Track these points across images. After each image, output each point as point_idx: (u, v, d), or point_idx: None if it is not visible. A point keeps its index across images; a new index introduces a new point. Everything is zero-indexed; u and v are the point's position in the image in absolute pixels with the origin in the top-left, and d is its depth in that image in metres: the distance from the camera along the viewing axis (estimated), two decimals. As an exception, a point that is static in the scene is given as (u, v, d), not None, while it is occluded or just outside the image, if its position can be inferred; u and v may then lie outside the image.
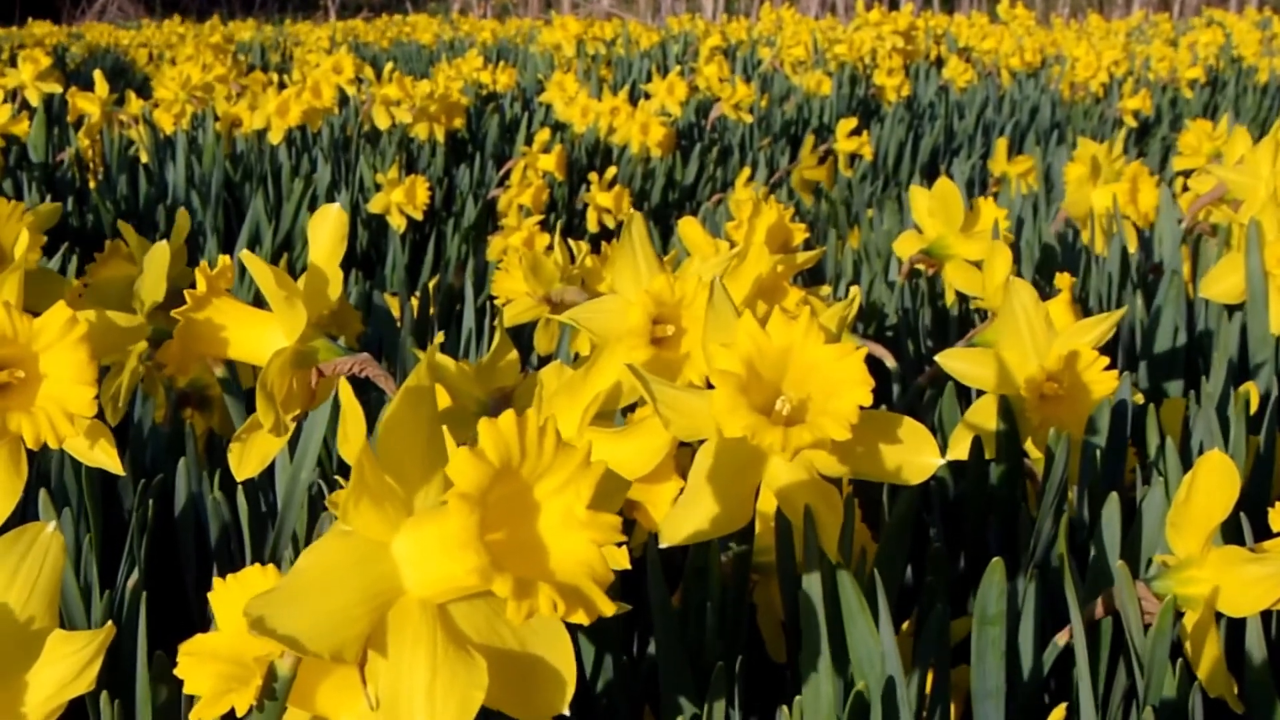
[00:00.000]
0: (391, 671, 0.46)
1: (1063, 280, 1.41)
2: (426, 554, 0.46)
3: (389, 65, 3.57)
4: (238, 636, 0.59)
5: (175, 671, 0.59)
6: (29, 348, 0.73)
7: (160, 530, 1.04)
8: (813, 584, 0.76)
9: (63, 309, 0.73)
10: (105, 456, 0.79)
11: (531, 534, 0.48)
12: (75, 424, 0.72)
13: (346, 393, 0.52)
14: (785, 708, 0.76)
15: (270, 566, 0.61)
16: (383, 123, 3.26)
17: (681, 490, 0.78)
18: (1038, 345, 1.00)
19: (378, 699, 0.46)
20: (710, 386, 0.72)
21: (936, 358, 1.01)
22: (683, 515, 0.71)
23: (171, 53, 6.50)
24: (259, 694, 0.53)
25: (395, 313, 1.68)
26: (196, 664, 0.59)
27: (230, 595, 0.61)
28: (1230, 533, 0.83)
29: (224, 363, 1.01)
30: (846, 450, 0.73)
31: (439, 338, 1.19)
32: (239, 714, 0.56)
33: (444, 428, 0.51)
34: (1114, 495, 0.90)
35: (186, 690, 0.59)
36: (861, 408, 0.70)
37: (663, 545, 0.72)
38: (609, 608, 0.46)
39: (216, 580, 0.61)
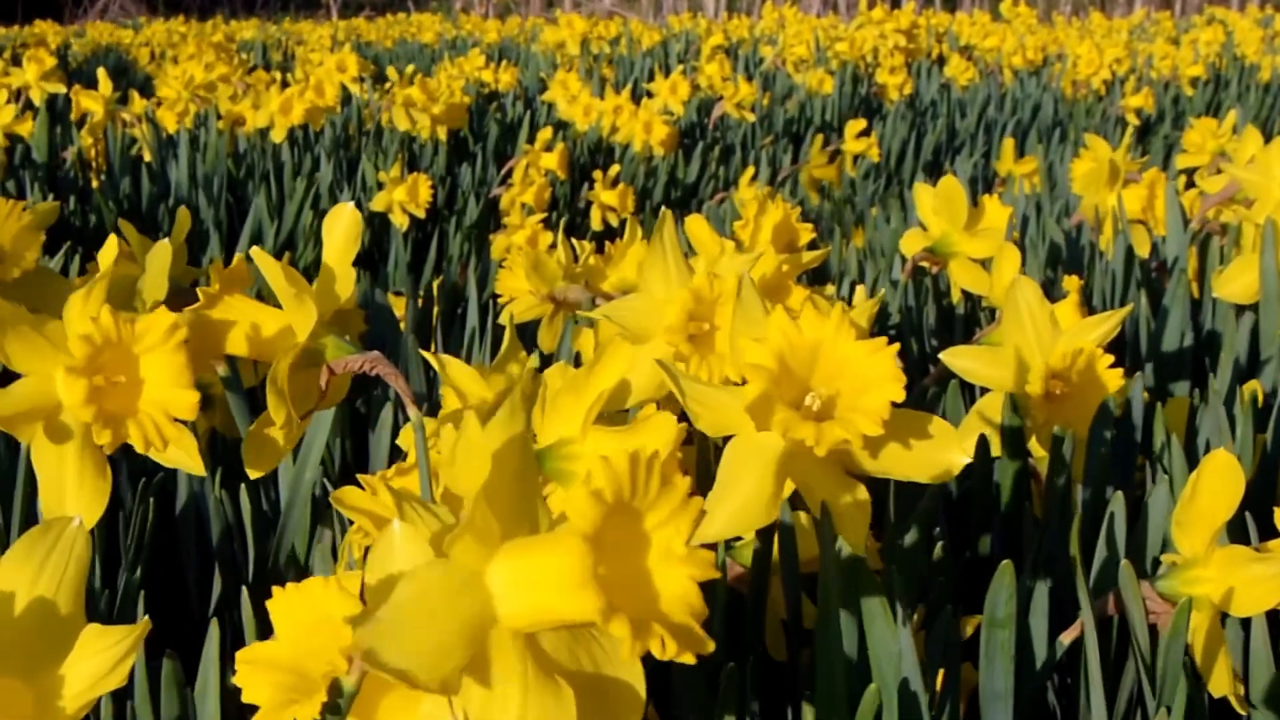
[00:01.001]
0: (482, 704, 0.45)
1: (1071, 283, 1.41)
2: (530, 588, 0.46)
3: (409, 67, 3.54)
4: (298, 647, 0.58)
5: (234, 680, 0.58)
6: (129, 350, 0.73)
7: (161, 529, 1.04)
8: (831, 583, 0.76)
9: (165, 314, 0.73)
10: (186, 457, 0.77)
11: (631, 569, 0.47)
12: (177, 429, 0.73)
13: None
14: (806, 704, 0.76)
15: (331, 579, 0.59)
16: (403, 124, 3.21)
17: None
18: (1042, 343, 1.00)
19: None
20: (734, 383, 0.71)
21: (941, 355, 1.01)
22: (711, 512, 0.70)
23: (174, 51, 6.49)
24: (323, 709, 0.52)
25: (398, 311, 1.67)
26: (255, 672, 0.58)
27: (290, 605, 0.59)
28: (1235, 532, 0.83)
29: (226, 361, 1.01)
30: (876, 446, 0.73)
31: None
32: None
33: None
34: (1119, 494, 0.90)
35: (245, 699, 0.57)
36: (893, 404, 0.69)
37: (691, 544, 0.71)
38: (710, 645, 0.46)
39: (276, 589, 0.60)
